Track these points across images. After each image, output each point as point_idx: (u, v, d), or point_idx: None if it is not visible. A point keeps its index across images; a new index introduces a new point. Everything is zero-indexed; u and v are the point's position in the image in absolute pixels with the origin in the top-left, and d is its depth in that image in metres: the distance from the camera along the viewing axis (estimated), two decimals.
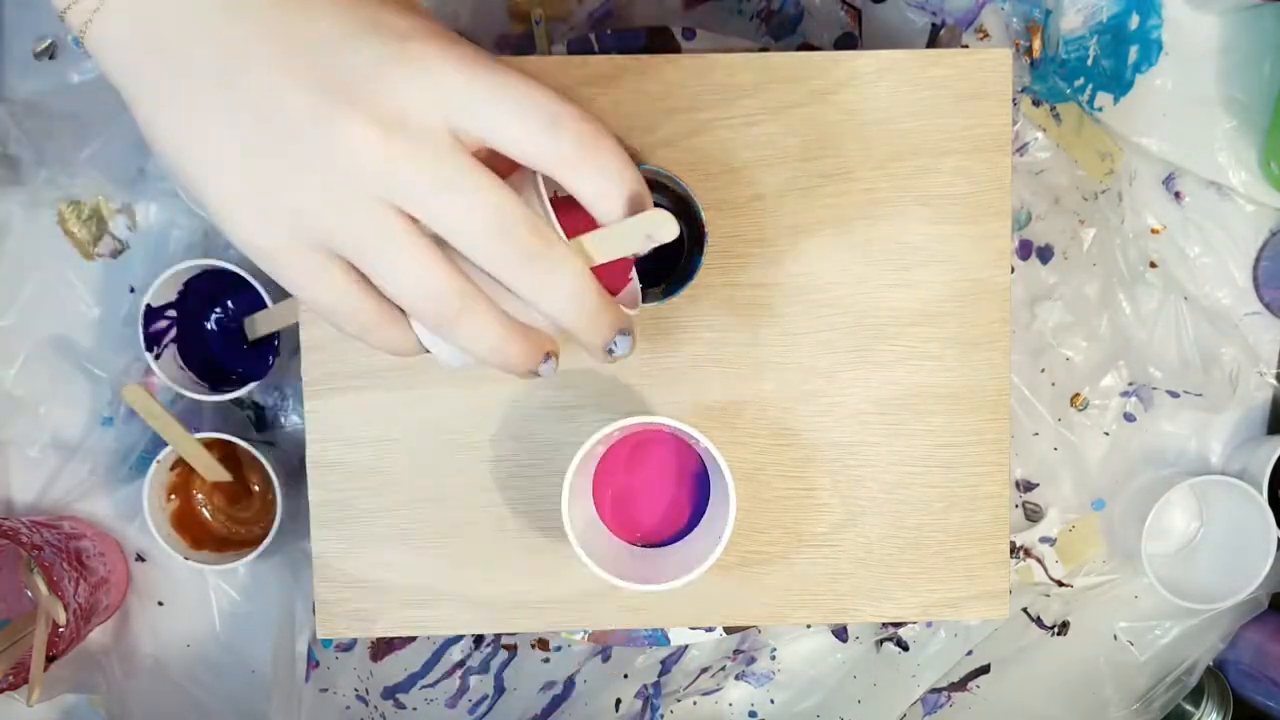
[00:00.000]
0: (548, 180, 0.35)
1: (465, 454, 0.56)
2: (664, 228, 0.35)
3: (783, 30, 0.67)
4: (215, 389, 0.65)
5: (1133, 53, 0.68)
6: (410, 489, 0.56)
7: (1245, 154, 0.68)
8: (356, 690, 0.70)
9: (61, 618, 0.61)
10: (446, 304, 0.34)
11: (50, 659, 0.61)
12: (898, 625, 0.70)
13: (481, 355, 0.35)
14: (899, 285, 0.56)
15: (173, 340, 0.65)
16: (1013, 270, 0.66)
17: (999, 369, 0.56)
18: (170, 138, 0.33)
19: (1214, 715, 0.70)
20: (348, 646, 0.70)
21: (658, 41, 0.64)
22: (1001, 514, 0.57)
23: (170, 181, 0.67)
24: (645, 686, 0.71)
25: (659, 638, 0.66)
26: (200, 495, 0.69)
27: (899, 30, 0.67)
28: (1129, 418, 0.71)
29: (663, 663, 0.71)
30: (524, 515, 0.56)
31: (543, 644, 0.71)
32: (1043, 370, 0.70)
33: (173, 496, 0.67)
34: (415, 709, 0.71)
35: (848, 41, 0.67)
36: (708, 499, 0.55)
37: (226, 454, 0.66)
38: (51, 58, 0.67)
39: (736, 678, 0.71)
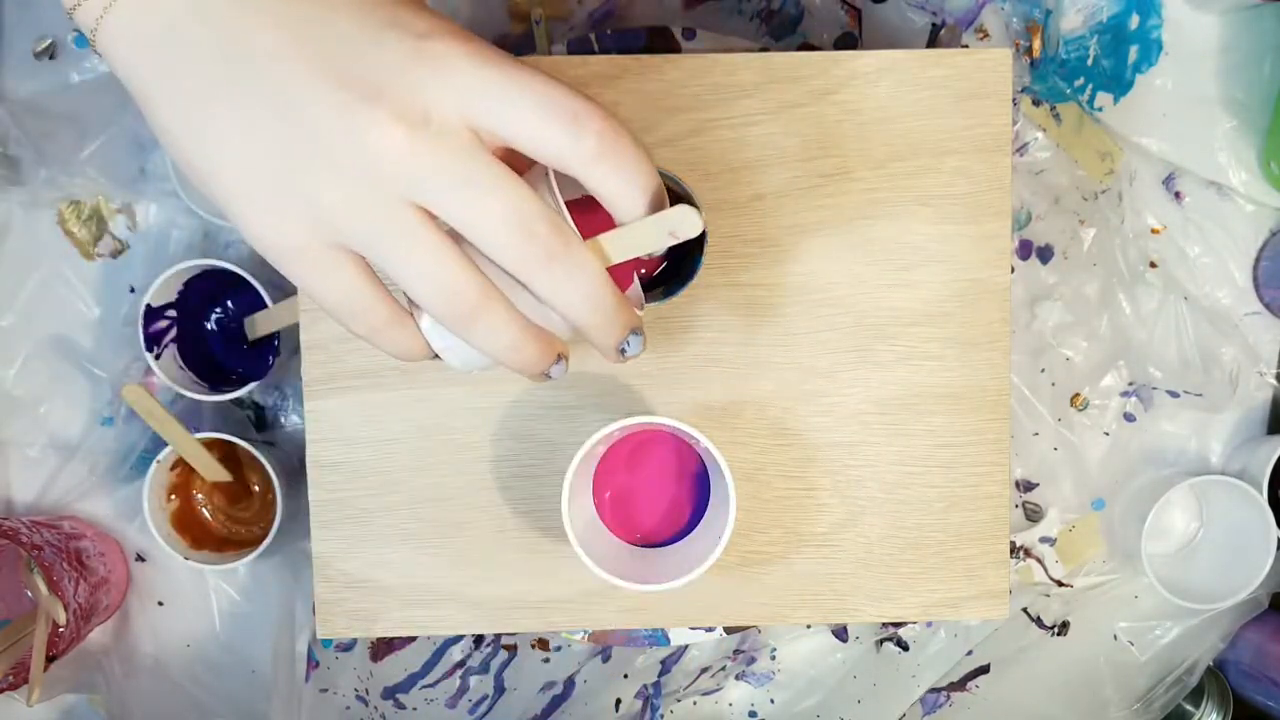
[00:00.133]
0: (562, 181, 0.35)
1: (465, 454, 0.56)
2: (686, 223, 0.35)
3: (783, 30, 0.67)
4: (215, 389, 0.65)
5: (1133, 53, 0.68)
6: (410, 489, 0.56)
7: (1245, 154, 0.68)
8: (356, 690, 0.70)
9: (61, 618, 0.61)
10: (464, 301, 0.33)
11: (50, 659, 0.61)
12: (898, 625, 0.70)
13: (498, 354, 0.35)
14: (899, 285, 0.56)
15: (173, 340, 0.65)
16: (1013, 270, 0.66)
17: (999, 369, 0.56)
18: (183, 134, 0.33)
19: (1214, 715, 0.70)
20: (348, 646, 0.70)
21: (658, 41, 0.64)
22: (1001, 514, 0.57)
23: (170, 181, 0.67)
24: (645, 686, 0.71)
25: (659, 638, 0.66)
26: (200, 495, 0.69)
27: (899, 30, 0.67)
28: (1129, 418, 0.71)
29: (663, 663, 0.71)
30: (524, 515, 0.56)
31: (543, 644, 0.71)
32: (1043, 370, 0.70)
33: (173, 496, 0.67)
34: (415, 709, 0.71)
35: (848, 41, 0.67)
36: (708, 499, 0.55)
37: (226, 454, 0.66)
38: (52, 58, 0.67)
39: (736, 678, 0.71)
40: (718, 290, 0.56)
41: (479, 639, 0.71)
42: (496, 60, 0.33)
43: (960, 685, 0.71)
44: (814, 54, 0.56)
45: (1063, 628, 0.71)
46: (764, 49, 0.65)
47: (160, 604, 0.70)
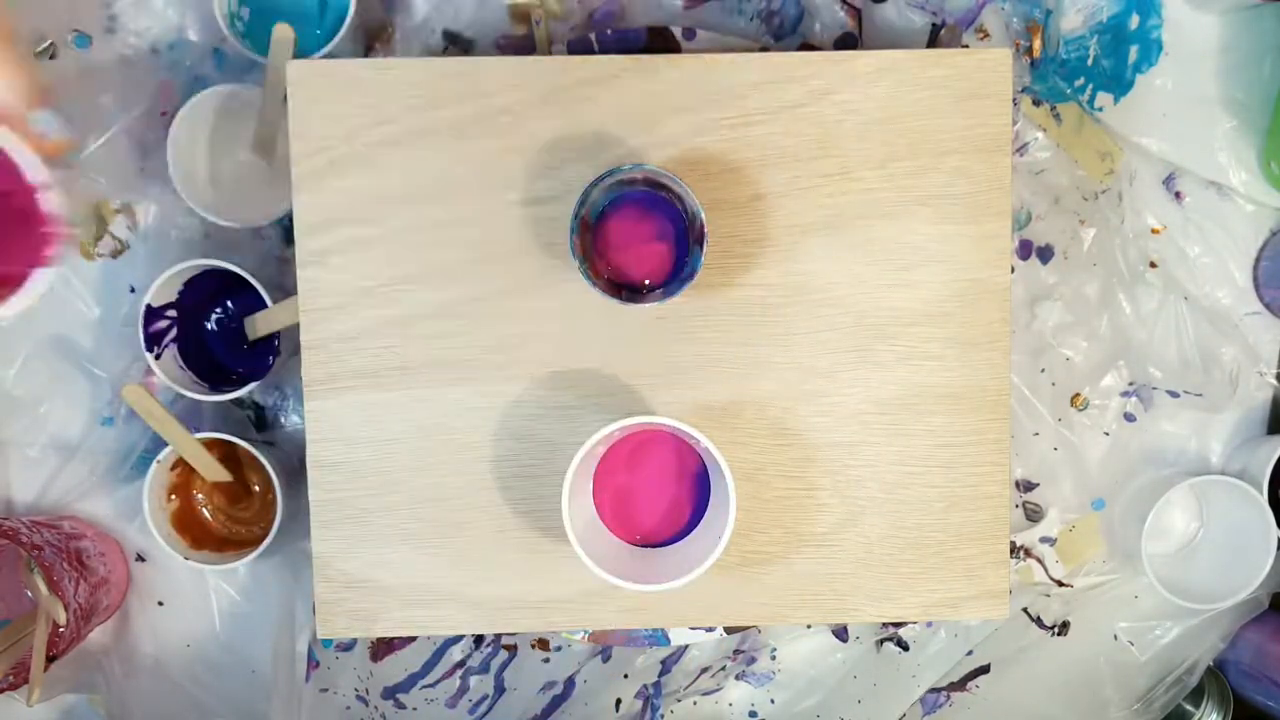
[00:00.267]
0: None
1: (465, 454, 0.56)
2: None
3: (783, 30, 0.67)
4: (215, 389, 0.65)
5: (1133, 53, 0.68)
6: (410, 489, 0.56)
7: (1245, 154, 0.68)
8: (356, 690, 0.70)
9: (61, 618, 0.61)
10: None
11: (50, 659, 0.61)
12: (898, 625, 0.70)
13: None
14: (899, 285, 0.56)
15: (173, 340, 0.65)
16: (1013, 270, 0.66)
17: (999, 369, 0.56)
18: None
19: (1214, 715, 0.70)
20: (348, 646, 0.70)
21: (658, 41, 0.64)
22: (1001, 514, 0.57)
23: (170, 182, 0.67)
24: (645, 686, 0.71)
25: (659, 638, 0.66)
26: (200, 495, 0.69)
27: (899, 30, 0.67)
28: (1129, 418, 0.71)
29: (663, 663, 0.71)
30: (524, 515, 0.56)
31: (543, 644, 0.71)
32: (1043, 370, 0.70)
33: (173, 496, 0.67)
34: (415, 709, 0.71)
35: (848, 41, 0.67)
36: (708, 499, 0.55)
37: (226, 454, 0.66)
38: (52, 58, 0.67)
39: (736, 678, 0.71)
40: (718, 290, 0.56)
41: (479, 639, 0.71)
42: None
43: (960, 685, 0.71)
44: (814, 54, 0.56)
45: (1063, 628, 0.71)
46: (764, 49, 0.65)
47: (160, 604, 0.70)
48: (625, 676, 0.71)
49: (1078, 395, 0.70)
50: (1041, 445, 0.70)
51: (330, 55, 0.62)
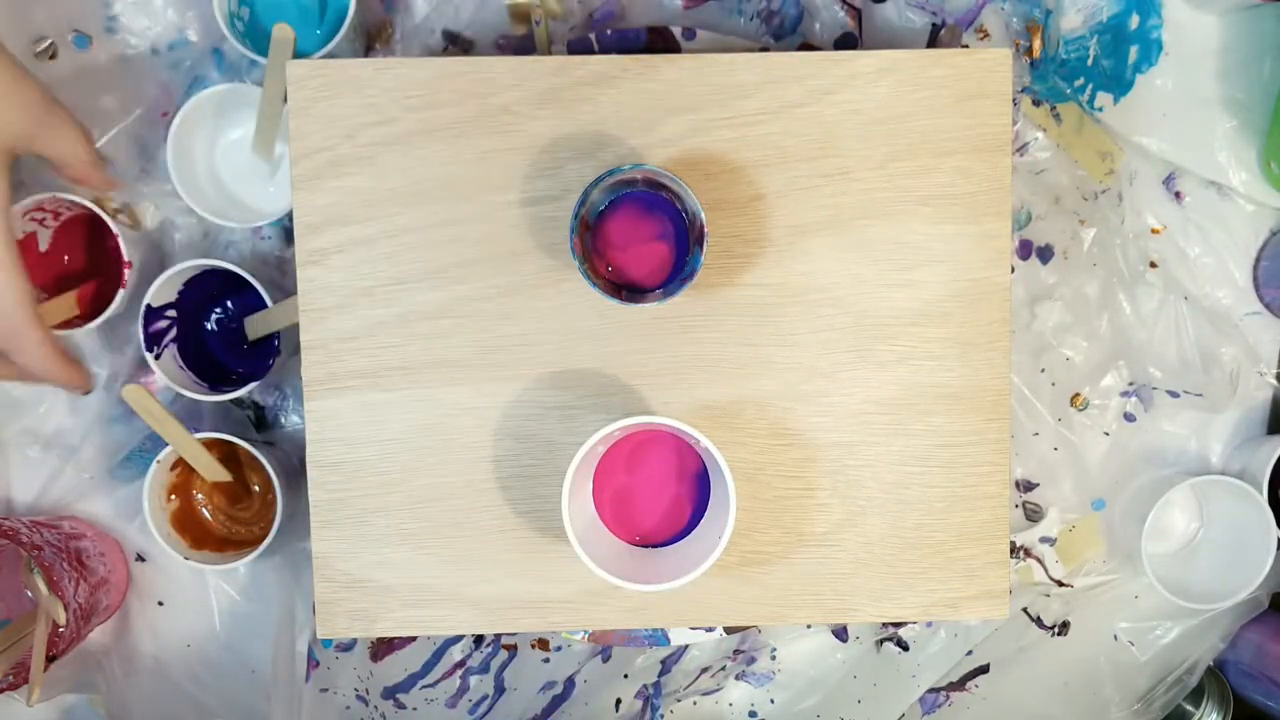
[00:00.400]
0: None
1: (465, 454, 0.56)
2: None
3: (783, 30, 0.67)
4: (215, 389, 0.65)
5: (1133, 53, 0.68)
6: (410, 489, 0.56)
7: (1245, 154, 0.68)
8: (356, 690, 0.70)
9: (61, 618, 0.61)
10: None
11: (50, 659, 0.61)
12: (898, 625, 0.70)
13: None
14: (899, 285, 0.56)
15: (173, 340, 0.65)
16: (1013, 270, 0.66)
17: (999, 369, 0.56)
18: None
19: (1214, 715, 0.70)
20: (348, 646, 0.70)
21: (658, 41, 0.64)
22: (1001, 514, 0.57)
23: (170, 182, 0.67)
24: (645, 686, 0.71)
25: (659, 638, 0.66)
26: (200, 495, 0.69)
27: (899, 30, 0.67)
28: (1129, 418, 0.71)
29: (663, 663, 0.71)
30: (524, 515, 0.56)
31: (543, 644, 0.71)
32: (1043, 370, 0.70)
33: (173, 496, 0.67)
34: (415, 709, 0.71)
35: (848, 41, 0.67)
36: (708, 499, 0.55)
37: (226, 454, 0.66)
38: (52, 58, 0.67)
39: (736, 678, 0.71)
40: (718, 290, 0.56)
41: (479, 639, 0.71)
42: None
43: (960, 685, 0.71)
44: (814, 54, 0.56)
45: (1063, 628, 0.71)
46: (764, 49, 0.65)
47: (160, 604, 0.70)
48: (625, 676, 0.71)
49: (1078, 395, 0.70)
50: (1041, 445, 0.70)
51: (330, 55, 0.62)
